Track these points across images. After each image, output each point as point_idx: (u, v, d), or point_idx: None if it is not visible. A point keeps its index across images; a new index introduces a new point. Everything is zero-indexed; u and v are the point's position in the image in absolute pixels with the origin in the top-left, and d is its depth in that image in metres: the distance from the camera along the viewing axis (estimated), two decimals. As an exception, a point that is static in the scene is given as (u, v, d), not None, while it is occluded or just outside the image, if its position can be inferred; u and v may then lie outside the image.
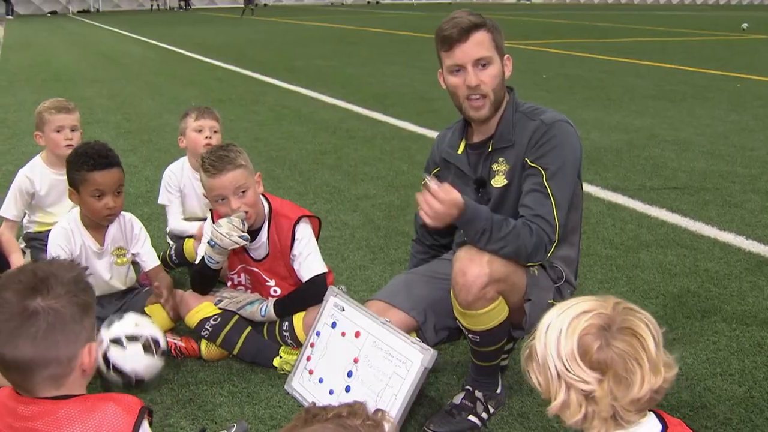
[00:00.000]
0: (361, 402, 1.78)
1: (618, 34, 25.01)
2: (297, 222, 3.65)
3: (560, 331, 1.87)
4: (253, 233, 3.65)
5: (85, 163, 3.55)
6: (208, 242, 3.58)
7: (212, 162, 3.50)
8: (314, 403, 1.81)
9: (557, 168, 2.97)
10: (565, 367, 1.85)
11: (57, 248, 3.68)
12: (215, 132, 4.61)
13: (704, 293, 4.42)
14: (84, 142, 3.75)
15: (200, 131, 4.57)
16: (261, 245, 3.68)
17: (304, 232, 3.67)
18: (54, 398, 1.93)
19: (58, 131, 4.41)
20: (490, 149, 3.13)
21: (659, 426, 1.93)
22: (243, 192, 3.52)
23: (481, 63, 3.00)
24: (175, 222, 4.65)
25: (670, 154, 7.75)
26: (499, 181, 3.09)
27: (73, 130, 4.43)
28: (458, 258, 2.91)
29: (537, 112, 3.10)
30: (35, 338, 1.86)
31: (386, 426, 1.74)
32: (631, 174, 7.01)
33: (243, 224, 3.52)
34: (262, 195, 3.70)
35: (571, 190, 3.02)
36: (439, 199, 2.80)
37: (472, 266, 2.85)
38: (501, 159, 3.10)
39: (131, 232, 3.86)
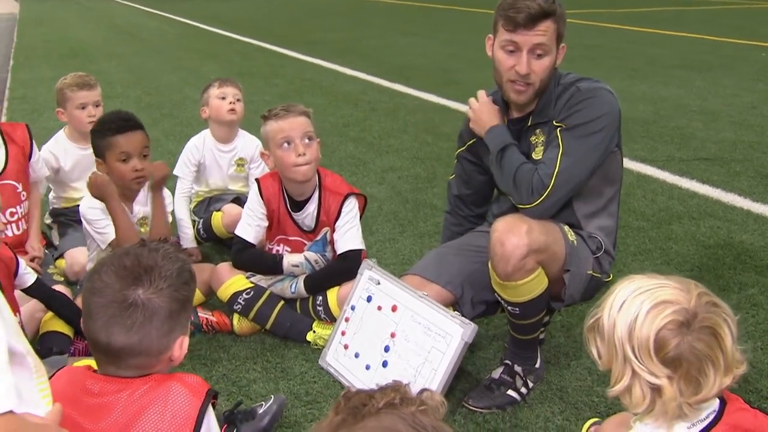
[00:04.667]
0: (401, 382, 1.68)
1: (639, 3, 24.64)
2: (346, 197, 3.61)
3: (636, 316, 1.78)
4: (301, 203, 3.62)
5: (109, 129, 3.53)
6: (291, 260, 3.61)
7: (282, 107, 3.53)
8: (349, 389, 1.70)
9: (577, 124, 2.92)
10: (636, 355, 1.78)
11: (93, 212, 3.61)
12: (238, 100, 4.58)
13: (740, 266, 4.33)
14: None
15: (223, 98, 4.54)
16: (307, 216, 3.64)
17: (351, 207, 3.63)
18: (122, 377, 1.92)
19: (82, 108, 4.34)
20: (529, 124, 3.06)
21: (717, 405, 1.88)
22: (309, 139, 3.49)
23: (538, 52, 2.91)
24: (180, 200, 4.50)
25: (698, 125, 7.62)
26: (539, 153, 3.02)
27: (96, 106, 4.37)
28: (496, 228, 2.84)
29: (578, 81, 3.03)
30: (130, 329, 1.86)
31: (439, 407, 1.65)
32: (659, 145, 6.90)
33: (311, 268, 3.61)
34: None
35: (595, 148, 2.94)
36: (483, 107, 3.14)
37: (511, 236, 2.79)
38: (538, 131, 3.04)
39: None
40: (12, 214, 3.95)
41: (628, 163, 6.27)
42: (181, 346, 1.96)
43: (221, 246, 4.56)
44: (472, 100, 3.21)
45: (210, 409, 1.92)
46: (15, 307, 3.20)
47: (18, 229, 3.99)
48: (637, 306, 1.80)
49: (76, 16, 23.87)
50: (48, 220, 4.57)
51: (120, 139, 3.50)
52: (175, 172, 4.61)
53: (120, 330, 1.86)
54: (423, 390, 1.62)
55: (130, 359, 1.90)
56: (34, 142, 4.09)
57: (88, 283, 1.94)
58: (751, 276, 4.19)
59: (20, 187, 3.98)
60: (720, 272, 4.24)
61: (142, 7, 26.87)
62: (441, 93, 9.37)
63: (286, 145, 3.46)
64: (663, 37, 15.10)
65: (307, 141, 3.48)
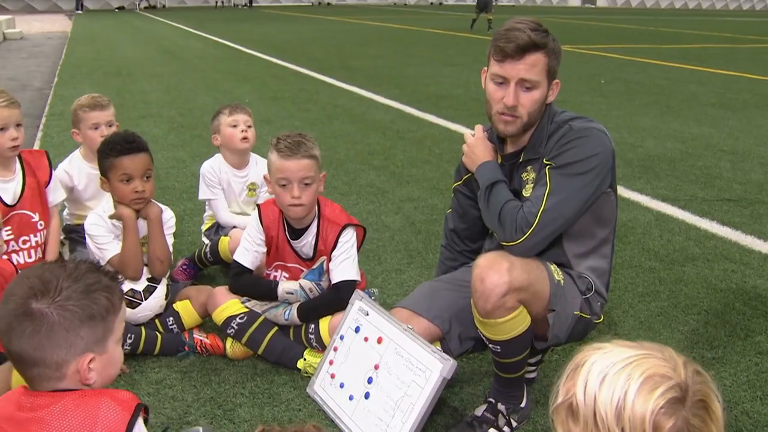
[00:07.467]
0: (320, 427, 1.72)
1: (683, 39, 24.51)
2: (344, 228, 3.63)
3: (625, 394, 1.59)
4: (300, 231, 3.64)
5: (113, 150, 3.62)
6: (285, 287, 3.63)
7: (289, 144, 3.48)
8: (267, 425, 1.73)
9: (566, 163, 2.88)
10: None
11: (96, 228, 3.72)
12: (249, 126, 4.63)
13: (750, 311, 4.25)
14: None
15: (235, 126, 4.59)
16: (305, 244, 3.66)
17: (348, 237, 3.64)
18: (54, 391, 1.97)
19: (95, 128, 4.43)
20: (521, 160, 3.05)
21: None
22: (306, 184, 3.49)
23: (526, 85, 2.90)
24: (225, 215, 4.64)
25: (725, 165, 7.53)
26: (529, 190, 3.01)
27: (109, 126, 4.45)
28: (477, 265, 2.83)
29: (571, 120, 3.00)
30: (22, 337, 1.93)
31: None
32: (683, 184, 6.82)
33: (305, 296, 3.61)
34: None
35: (583, 188, 2.88)
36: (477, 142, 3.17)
37: (491, 273, 2.77)
38: (529, 167, 3.03)
39: None
40: (24, 242, 3.99)
41: (649, 202, 6.22)
42: (87, 365, 1.97)
43: (228, 270, 4.59)
44: (467, 134, 3.22)
45: (140, 422, 1.94)
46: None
47: (30, 257, 4.02)
48: (624, 382, 1.60)
49: (125, 36, 24.36)
50: (61, 236, 4.64)
51: (124, 161, 3.59)
52: (202, 197, 4.70)
53: (17, 337, 1.92)
54: None
55: (29, 369, 1.95)
56: (53, 169, 4.16)
57: (4, 292, 2.02)
58: (760, 322, 4.11)
59: (36, 217, 4.02)
60: (728, 317, 4.16)
61: (190, 29, 27.33)
62: (470, 124, 9.31)
63: (282, 185, 3.50)
64: (705, 75, 14.96)
65: (304, 185, 3.49)
